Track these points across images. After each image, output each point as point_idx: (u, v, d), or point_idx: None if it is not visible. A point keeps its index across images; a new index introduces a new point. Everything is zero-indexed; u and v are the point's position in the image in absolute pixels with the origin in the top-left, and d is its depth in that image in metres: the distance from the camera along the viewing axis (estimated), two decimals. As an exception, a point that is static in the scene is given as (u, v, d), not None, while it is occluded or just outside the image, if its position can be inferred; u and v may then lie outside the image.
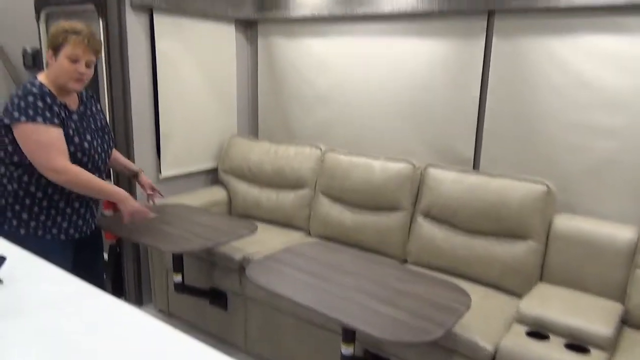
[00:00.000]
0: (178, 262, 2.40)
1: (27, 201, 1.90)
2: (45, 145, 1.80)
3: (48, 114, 1.81)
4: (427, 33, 2.68)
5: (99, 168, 2.03)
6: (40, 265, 1.49)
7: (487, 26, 2.50)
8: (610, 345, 1.75)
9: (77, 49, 1.84)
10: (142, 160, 2.92)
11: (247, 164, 3.12)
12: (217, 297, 2.60)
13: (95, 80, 2.99)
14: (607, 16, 2.17)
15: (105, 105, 2.91)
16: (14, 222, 1.91)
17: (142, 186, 2.32)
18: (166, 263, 2.82)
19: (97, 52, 1.91)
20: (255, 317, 2.51)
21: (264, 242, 2.67)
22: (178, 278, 2.41)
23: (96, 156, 1.98)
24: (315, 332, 2.26)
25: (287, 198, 2.95)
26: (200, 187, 3.29)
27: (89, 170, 1.95)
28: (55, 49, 1.85)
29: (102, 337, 1.11)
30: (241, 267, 2.50)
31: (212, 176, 3.38)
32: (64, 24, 1.87)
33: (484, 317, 1.99)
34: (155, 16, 2.85)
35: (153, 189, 2.32)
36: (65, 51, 1.83)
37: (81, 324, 1.16)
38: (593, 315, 1.84)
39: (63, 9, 3.09)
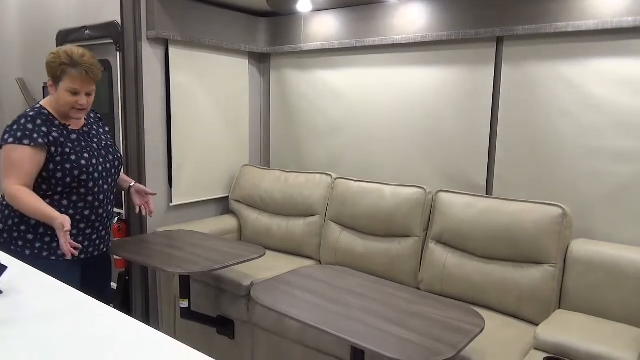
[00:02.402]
0: (185, 287, 2.36)
1: (32, 221, 1.90)
2: (10, 165, 1.81)
3: (34, 135, 1.83)
4: (437, 61, 2.71)
5: (102, 187, 2.02)
6: (43, 278, 1.48)
7: (496, 53, 2.51)
8: (636, 373, 1.64)
9: (75, 83, 1.85)
10: (153, 189, 2.92)
11: (258, 192, 3.12)
12: (224, 325, 2.54)
13: (111, 109, 3.06)
14: (615, 39, 2.17)
15: (119, 135, 2.96)
16: (20, 243, 1.91)
17: (137, 194, 2.23)
18: (174, 290, 2.78)
19: (96, 79, 1.91)
20: (262, 345, 2.43)
21: (273, 269, 2.62)
22: (184, 303, 2.36)
23: (96, 174, 1.97)
24: (324, 360, 2.18)
25: (298, 226, 2.92)
26: (210, 216, 3.29)
27: (90, 189, 1.95)
28: (55, 79, 1.87)
29: (101, 349, 1.07)
30: (249, 294, 2.44)
31: (223, 205, 3.37)
32: (61, 52, 1.87)
33: (500, 344, 1.90)
34: (170, 49, 2.94)
35: (145, 194, 2.22)
36: (64, 84, 1.85)
37: (80, 335, 1.13)
38: (615, 342, 1.74)
39: (83, 44, 3.20)
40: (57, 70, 1.85)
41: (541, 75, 2.38)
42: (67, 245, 1.75)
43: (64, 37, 3.30)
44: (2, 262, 1.31)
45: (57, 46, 3.35)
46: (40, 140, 1.84)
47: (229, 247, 2.40)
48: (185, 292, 2.36)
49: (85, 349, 1.06)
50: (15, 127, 1.84)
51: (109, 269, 2.31)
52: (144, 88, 2.86)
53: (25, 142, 1.82)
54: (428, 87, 2.75)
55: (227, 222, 3.16)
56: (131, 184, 2.28)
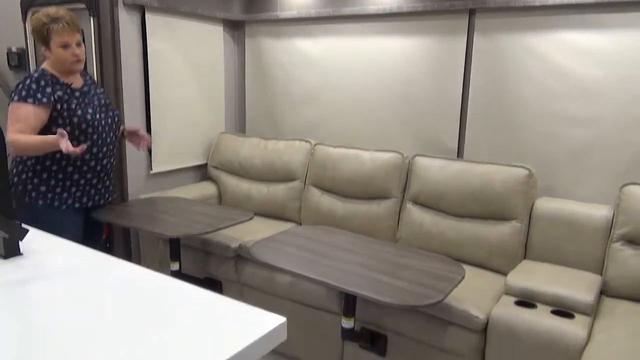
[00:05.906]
0: (175, 250, 2.44)
1: (44, 175, 2.08)
2: (15, 120, 1.95)
3: (39, 95, 1.98)
4: (412, 31, 2.83)
5: (105, 139, 2.19)
6: (55, 240, 1.54)
7: (469, 24, 2.66)
8: (592, 311, 1.88)
9: (63, 37, 1.99)
10: (133, 156, 2.95)
11: (237, 158, 3.19)
12: (213, 286, 2.65)
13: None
14: (578, 13, 2.36)
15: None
16: (33, 194, 2.08)
17: (131, 135, 2.38)
18: (159, 256, 2.85)
19: (79, 29, 2.06)
20: (251, 302, 2.55)
21: (257, 232, 2.73)
22: (175, 266, 2.44)
23: (100, 128, 2.15)
24: (313, 314, 2.33)
25: (278, 190, 3.03)
26: (189, 183, 3.34)
27: (95, 141, 2.13)
28: (45, 42, 2.01)
29: (125, 295, 1.17)
30: (237, 255, 2.55)
31: (202, 172, 3.43)
32: (40, 16, 2.00)
33: (475, 291, 2.10)
34: (147, 15, 2.91)
35: (138, 133, 2.37)
36: (54, 42, 2.00)
37: (105, 286, 1.22)
38: (575, 285, 1.97)
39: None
40: (43, 32, 1.99)
41: (510, 45, 2.55)
42: (70, 148, 1.84)
43: (30, 1, 3.19)
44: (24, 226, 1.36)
45: (21, 10, 3.25)
46: (44, 99, 1.98)
47: (216, 211, 2.49)
48: (175, 255, 2.44)
49: (112, 297, 1.15)
50: (20, 87, 1.98)
51: (102, 226, 2.44)
52: (122, 55, 2.84)
53: (30, 100, 1.95)
54: (403, 56, 2.88)
55: (207, 189, 3.22)
56: (121, 130, 2.43)
